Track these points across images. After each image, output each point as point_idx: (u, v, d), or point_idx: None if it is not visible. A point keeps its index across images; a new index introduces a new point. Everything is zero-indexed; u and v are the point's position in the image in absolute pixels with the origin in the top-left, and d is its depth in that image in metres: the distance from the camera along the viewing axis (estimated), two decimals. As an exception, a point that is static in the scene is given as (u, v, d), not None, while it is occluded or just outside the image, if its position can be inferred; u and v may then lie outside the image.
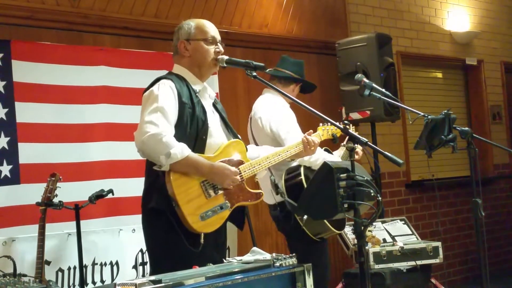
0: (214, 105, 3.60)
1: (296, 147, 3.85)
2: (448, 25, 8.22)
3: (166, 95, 3.30)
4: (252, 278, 2.67)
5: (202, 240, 3.24)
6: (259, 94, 4.84)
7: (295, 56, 6.28)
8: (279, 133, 4.26)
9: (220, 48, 3.52)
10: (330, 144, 4.47)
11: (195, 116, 3.35)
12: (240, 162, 3.46)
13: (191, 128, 3.33)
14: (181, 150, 3.17)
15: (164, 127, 3.20)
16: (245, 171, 3.45)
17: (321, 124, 4.26)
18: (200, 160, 3.27)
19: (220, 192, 3.31)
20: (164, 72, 3.57)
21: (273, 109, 4.40)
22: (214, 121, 3.48)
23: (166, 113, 3.24)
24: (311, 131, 4.00)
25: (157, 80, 3.40)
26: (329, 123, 4.05)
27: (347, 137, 4.36)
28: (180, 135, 3.25)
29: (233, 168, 3.34)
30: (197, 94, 3.44)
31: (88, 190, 4.41)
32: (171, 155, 3.13)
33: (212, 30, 3.54)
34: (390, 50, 6.38)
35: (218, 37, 3.54)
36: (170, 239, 3.24)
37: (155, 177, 3.27)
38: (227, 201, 3.33)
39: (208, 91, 3.56)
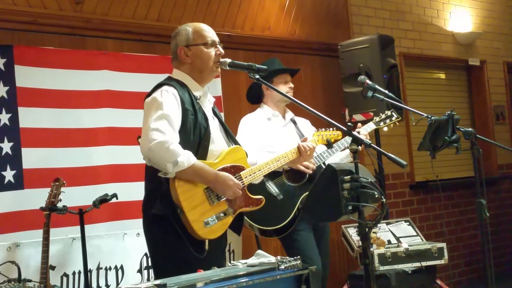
0: (213, 109, 3.60)
1: (294, 153, 4.04)
2: (451, 26, 8.20)
3: (170, 102, 3.29)
4: (257, 281, 2.67)
5: (207, 247, 3.24)
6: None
7: (297, 58, 6.32)
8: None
9: (220, 50, 3.51)
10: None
11: (197, 123, 3.35)
12: (242, 168, 3.46)
13: (194, 135, 3.32)
14: (187, 158, 3.17)
15: (171, 135, 3.20)
16: (246, 177, 3.46)
17: (315, 130, 4.35)
18: (205, 168, 3.26)
19: (223, 198, 3.32)
20: (167, 76, 3.57)
21: (243, 122, 4.63)
22: (215, 127, 3.48)
23: (171, 121, 3.24)
24: (306, 137, 4.24)
25: (159, 86, 3.39)
26: (323, 129, 4.33)
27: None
28: (183, 142, 3.25)
29: (236, 180, 3.34)
30: (198, 100, 3.44)
31: (92, 195, 4.42)
32: (178, 163, 3.13)
33: (210, 33, 3.52)
34: (392, 52, 6.37)
35: (217, 39, 3.53)
36: (174, 245, 3.23)
37: (158, 184, 3.25)
38: (229, 207, 3.34)
39: (208, 97, 3.56)
